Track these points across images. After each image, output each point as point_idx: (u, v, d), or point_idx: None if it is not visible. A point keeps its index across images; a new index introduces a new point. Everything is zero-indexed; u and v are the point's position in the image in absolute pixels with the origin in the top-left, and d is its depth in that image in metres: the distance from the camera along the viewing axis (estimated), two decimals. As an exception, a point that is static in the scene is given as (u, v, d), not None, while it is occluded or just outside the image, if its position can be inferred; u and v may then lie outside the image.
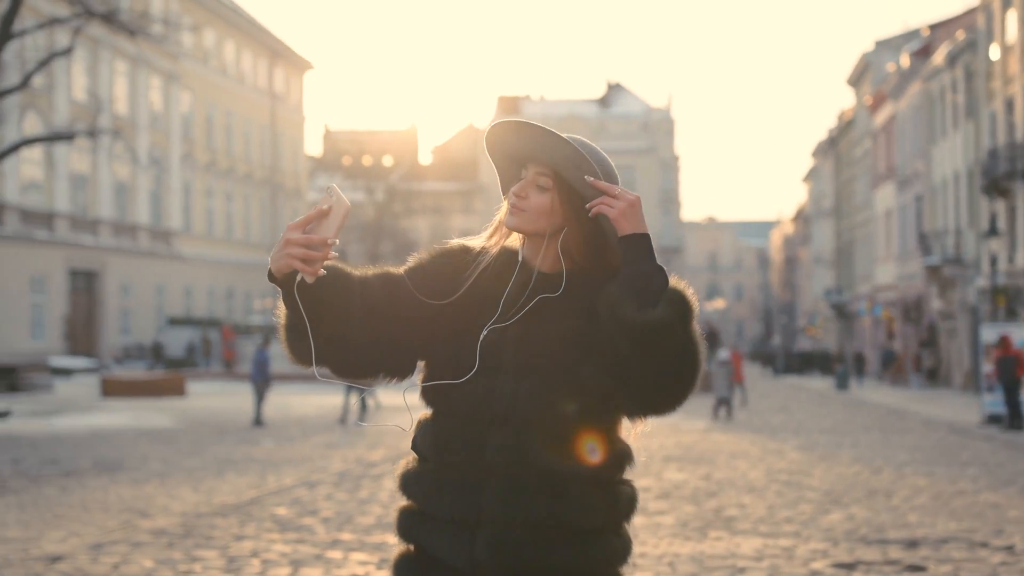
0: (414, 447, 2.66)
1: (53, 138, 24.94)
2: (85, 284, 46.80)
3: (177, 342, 48.15)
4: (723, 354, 27.63)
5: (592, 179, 2.54)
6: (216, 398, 29.98)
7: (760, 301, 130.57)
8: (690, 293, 2.51)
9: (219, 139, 59.51)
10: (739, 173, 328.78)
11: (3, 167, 40.91)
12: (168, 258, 52.94)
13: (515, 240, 2.68)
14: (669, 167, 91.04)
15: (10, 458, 15.04)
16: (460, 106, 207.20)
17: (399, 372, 2.63)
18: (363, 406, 22.07)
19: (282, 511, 10.25)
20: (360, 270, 2.62)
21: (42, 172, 44.14)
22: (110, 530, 9.14)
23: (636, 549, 8.23)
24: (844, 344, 69.05)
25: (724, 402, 25.03)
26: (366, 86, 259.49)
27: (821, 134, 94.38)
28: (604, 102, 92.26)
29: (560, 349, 2.52)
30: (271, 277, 2.49)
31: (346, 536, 8.91)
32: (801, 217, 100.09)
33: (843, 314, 71.31)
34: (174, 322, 49.88)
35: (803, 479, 13.22)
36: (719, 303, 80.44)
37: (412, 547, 2.61)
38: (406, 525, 2.61)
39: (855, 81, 67.26)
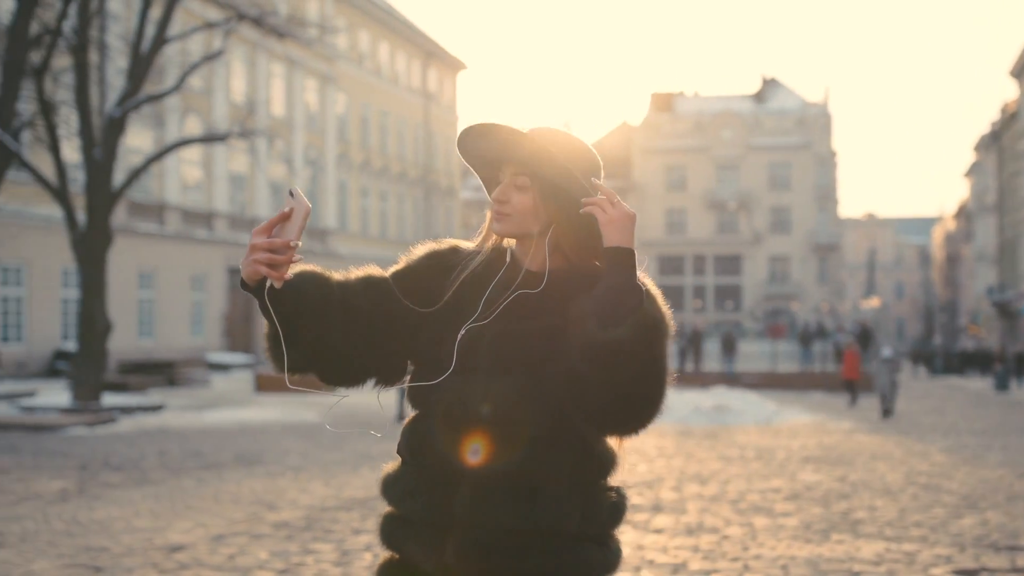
0: (398, 449, 2.61)
1: (206, 140, 25.57)
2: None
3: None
4: (886, 352, 26.98)
5: (596, 181, 2.49)
6: (366, 394, 30.37)
7: (921, 299, 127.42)
8: (664, 316, 2.42)
9: (374, 139, 60.42)
10: (898, 168, 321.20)
11: (165, 168, 42.23)
12: (323, 256, 53.90)
13: (509, 241, 2.63)
14: (826, 163, 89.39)
15: (157, 450, 15.49)
16: (613, 103, 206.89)
17: (388, 377, 2.61)
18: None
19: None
20: (342, 274, 2.61)
21: (202, 173, 45.42)
22: (235, 522, 9.35)
23: (753, 551, 8.15)
24: (1006, 344, 66.95)
25: (883, 399, 24.76)
26: (519, 85, 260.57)
27: (983, 127, 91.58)
28: (759, 97, 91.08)
29: (536, 347, 2.44)
30: (243, 285, 2.47)
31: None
32: (963, 213, 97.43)
33: (1006, 313, 69.15)
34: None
35: (943, 482, 12.83)
36: (874, 301, 78.53)
37: (395, 554, 2.55)
38: (387, 531, 2.56)
39: (1019, 73, 65.11)
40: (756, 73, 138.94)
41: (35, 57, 22.52)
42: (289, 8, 47.33)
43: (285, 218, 2.42)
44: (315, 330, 2.49)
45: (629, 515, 9.79)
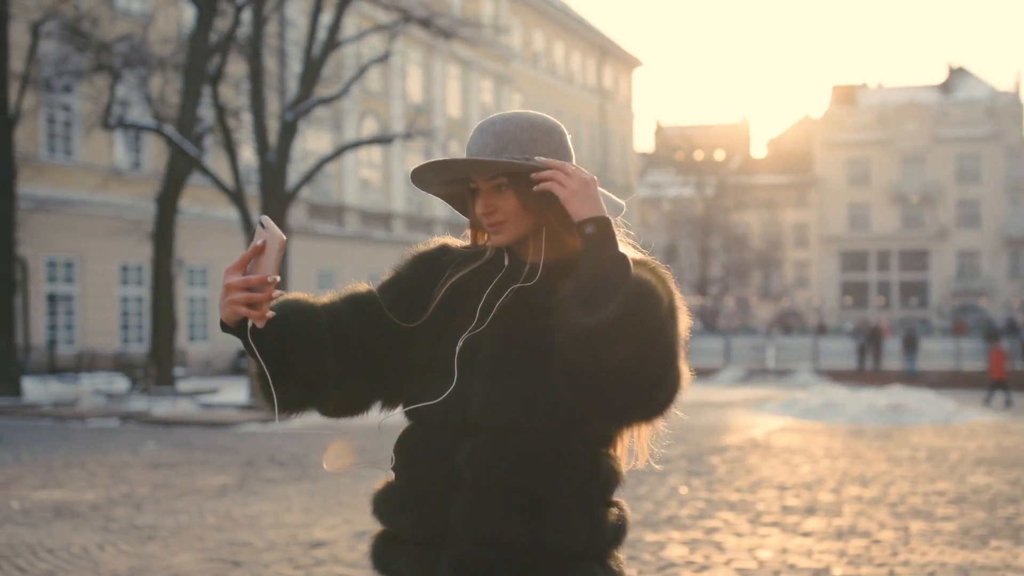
0: (391, 464, 2.44)
1: (374, 142, 25.96)
2: (419, 281, 48.61)
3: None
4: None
5: (542, 159, 2.31)
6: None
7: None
8: (661, 281, 2.20)
9: (549, 138, 60.53)
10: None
11: (343, 170, 43.14)
12: (499, 255, 54.34)
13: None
14: (1018, 154, 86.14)
15: (323, 447, 15.77)
16: (794, 97, 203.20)
17: (393, 398, 2.45)
18: None
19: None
20: (327, 296, 2.44)
21: (380, 174, 46.24)
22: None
23: (902, 556, 7.87)
24: None
25: None
26: (696, 80, 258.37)
27: None
28: (946, 87, 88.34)
29: (539, 348, 2.25)
30: (223, 327, 2.30)
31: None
32: None
33: None
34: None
35: (1125, 487, 12.20)
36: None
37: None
38: (378, 551, 2.39)
39: None
40: (942, 62, 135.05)
41: (212, 64, 23.24)
42: (463, 10, 47.82)
43: (259, 252, 2.22)
44: (306, 363, 2.32)
45: (779, 517, 9.57)
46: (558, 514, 2.22)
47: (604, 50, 66.59)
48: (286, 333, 2.30)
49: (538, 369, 2.24)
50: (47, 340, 32.25)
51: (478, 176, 2.38)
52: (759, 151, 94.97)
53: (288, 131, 23.18)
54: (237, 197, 22.95)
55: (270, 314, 2.24)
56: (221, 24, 24.58)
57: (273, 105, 29.42)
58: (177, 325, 26.67)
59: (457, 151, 50.58)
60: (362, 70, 23.98)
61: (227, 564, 7.53)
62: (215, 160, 31.86)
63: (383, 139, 25.03)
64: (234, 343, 35.45)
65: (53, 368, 31.54)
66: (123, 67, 25.24)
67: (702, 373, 37.85)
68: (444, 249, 2.53)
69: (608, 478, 2.34)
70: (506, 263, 2.42)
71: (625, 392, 2.11)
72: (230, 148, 22.95)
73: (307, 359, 2.32)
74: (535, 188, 2.28)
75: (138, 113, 29.28)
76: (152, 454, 14.72)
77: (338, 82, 34.55)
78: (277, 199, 22.92)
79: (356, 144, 25.45)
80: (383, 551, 2.38)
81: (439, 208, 49.56)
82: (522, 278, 2.37)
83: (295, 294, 2.40)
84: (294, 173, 34.10)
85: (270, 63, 30.42)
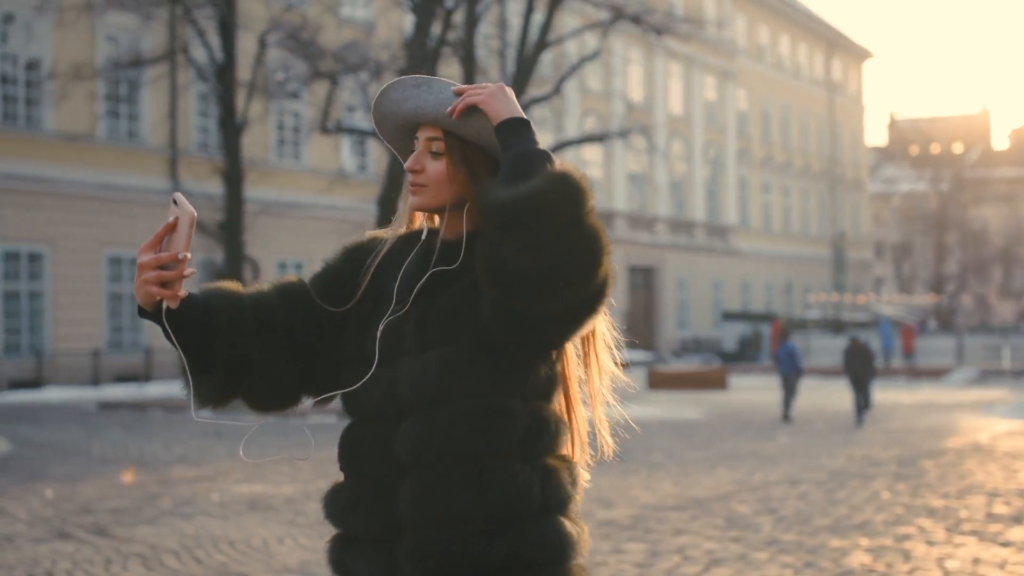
0: (338, 464, 2.36)
1: (583, 141, 25.99)
2: (643, 280, 48.49)
3: (732, 336, 48.68)
4: None
5: (454, 86, 2.27)
6: (757, 392, 29.94)
7: None
8: (581, 176, 2.10)
9: (775, 133, 59.56)
10: None
11: (564, 170, 43.32)
12: (724, 253, 53.69)
13: (429, 222, 2.40)
14: None
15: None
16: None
17: (323, 389, 2.37)
18: (867, 404, 20.67)
19: (742, 507, 10.05)
20: (254, 288, 2.37)
21: (602, 172, 46.27)
22: (563, 518, 9.37)
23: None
24: None
25: None
26: (932, 71, 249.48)
27: None
28: None
29: (455, 319, 2.21)
30: (141, 312, 2.22)
31: (788, 537, 8.58)
32: None
33: None
34: (729, 316, 50.45)
35: None
36: None
37: None
38: (336, 556, 2.33)
39: None
40: None
41: (426, 68, 23.63)
42: (685, 6, 47.39)
43: (171, 229, 2.17)
44: (229, 349, 2.24)
45: (981, 526, 9.09)
46: (505, 475, 2.15)
47: (832, 42, 65.00)
48: (207, 318, 2.23)
49: (456, 338, 2.19)
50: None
51: (423, 129, 2.31)
52: (1000, 142, 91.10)
53: (501, 132, 23.34)
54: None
55: (183, 293, 2.17)
56: (438, 28, 24.99)
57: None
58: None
59: (680, 150, 50.23)
60: (573, 69, 24.01)
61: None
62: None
63: (595, 137, 25.03)
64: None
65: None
66: (342, 73, 25.92)
67: (932, 374, 36.51)
68: (375, 239, 2.45)
69: (555, 432, 2.28)
70: (423, 239, 2.34)
71: (551, 274, 2.01)
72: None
73: (229, 345, 2.24)
74: (449, 110, 2.23)
75: (362, 118, 30.03)
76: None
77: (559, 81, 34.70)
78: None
79: (568, 143, 25.47)
80: (340, 555, 2.31)
81: (662, 206, 49.27)
82: (435, 258, 2.29)
83: (221, 283, 2.33)
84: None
85: (489, 64, 30.79)
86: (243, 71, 27.08)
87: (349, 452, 2.29)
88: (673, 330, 49.74)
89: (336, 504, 2.31)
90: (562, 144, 25.30)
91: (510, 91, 2.24)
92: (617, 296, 45.28)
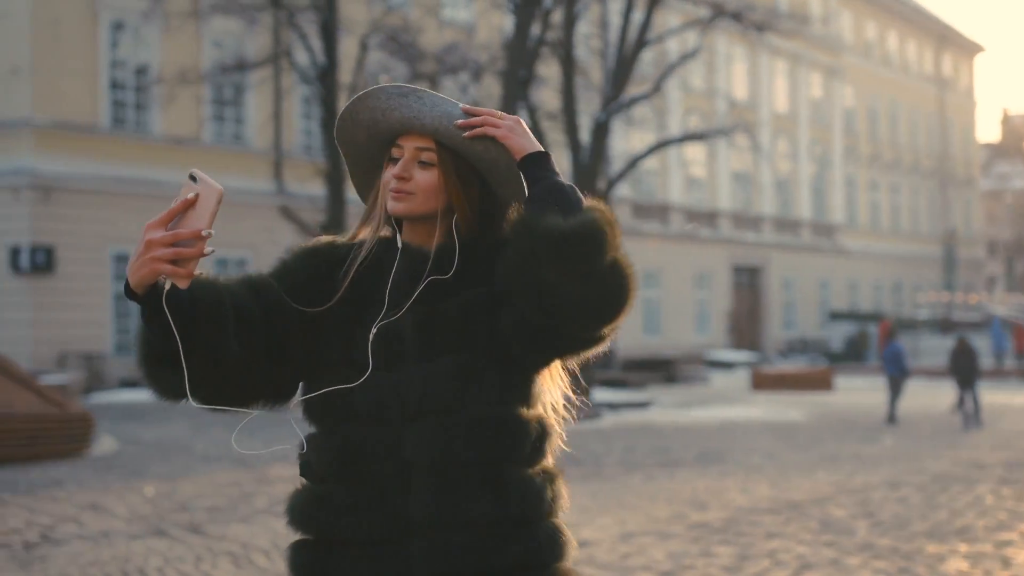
0: (305, 470, 2.33)
1: (687, 139, 25.82)
2: (748, 280, 48.02)
3: (839, 337, 47.97)
4: None
5: (464, 105, 2.31)
6: (862, 394, 29.45)
7: None
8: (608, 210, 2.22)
9: (883, 131, 58.60)
10: None
11: (667, 169, 43.10)
12: (831, 252, 52.95)
13: (386, 230, 2.38)
14: None
15: (624, 446, 15.76)
16: None
17: (280, 395, 2.33)
18: (975, 405, 20.05)
19: (838, 511, 9.88)
20: (221, 279, 2.26)
21: (706, 171, 45.93)
22: (654, 520, 9.30)
23: None
24: None
25: None
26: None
27: None
28: None
29: (464, 327, 2.27)
30: (128, 293, 2.11)
31: (884, 542, 8.40)
32: None
33: None
34: (836, 316, 49.71)
35: None
36: None
37: None
38: (308, 562, 2.28)
39: None
40: None
41: (524, 68, 23.63)
42: (790, 4, 46.80)
43: (188, 205, 2.08)
44: (210, 343, 2.16)
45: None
46: (520, 481, 2.24)
47: (942, 37, 63.74)
48: (194, 306, 2.14)
49: (468, 346, 2.25)
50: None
51: (410, 140, 2.32)
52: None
53: (600, 131, 23.29)
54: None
55: (198, 271, 2.10)
56: (537, 28, 24.98)
57: (593, 105, 29.68)
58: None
59: (785, 149, 49.66)
60: (672, 67, 23.85)
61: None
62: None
63: (695, 136, 24.82)
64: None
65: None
66: (442, 75, 26.04)
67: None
68: (333, 244, 2.44)
69: (552, 438, 2.38)
70: (400, 247, 2.35)
71: (595, 302, 2.15)
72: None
73: (211, 337, 2.15)
74: (466, 135, 2.28)
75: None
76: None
77: (660, 80, 34.50)
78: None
79: (668, 143, 25.32)
80: (315, 562, 2.27)
81: (767, 205, 48.75)
82: (430, 265, 2.32)
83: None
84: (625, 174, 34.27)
85: (589, 63, 30.72)
86: (345, 74, 27.31)
87: (346, 456, 2.25)
88: (779, 330, 49.16)
89: (324, 509, 2.26)
90: (663, 143, 25.13)
91: (524, 125, 2.31)
92: (721, 296, 45.13)
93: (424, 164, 2.32)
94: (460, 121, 2.30)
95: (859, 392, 30.01)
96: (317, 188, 27.99)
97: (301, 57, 27.58)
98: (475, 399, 2.23)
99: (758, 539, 8.45)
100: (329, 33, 24.72)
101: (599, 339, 2.24)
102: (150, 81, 28.50)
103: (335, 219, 24.93)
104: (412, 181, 2.32)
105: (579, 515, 9.59)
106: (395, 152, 2.35)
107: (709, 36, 40.46)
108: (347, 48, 28.18)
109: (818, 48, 51.65)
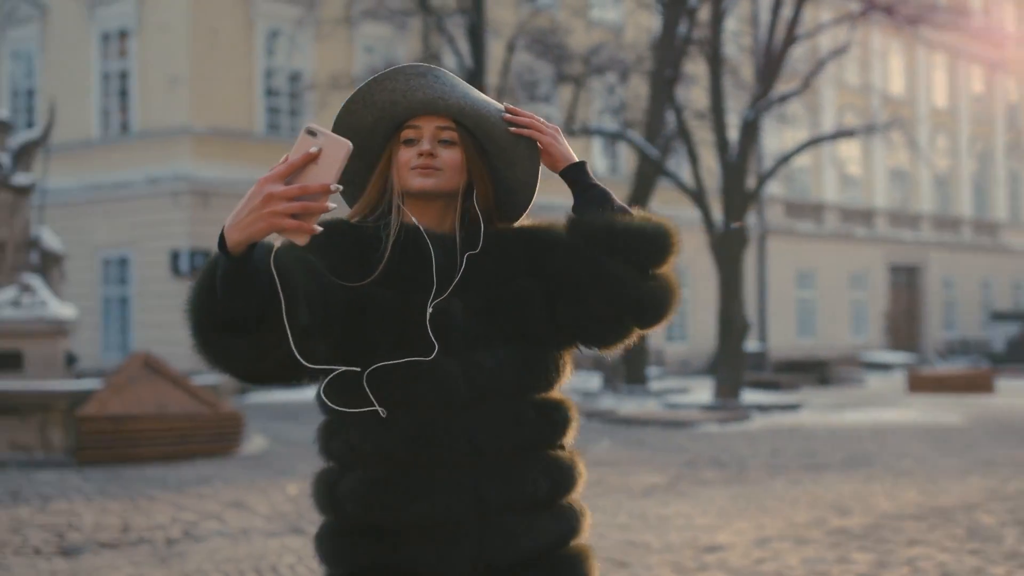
0: (347, 455, 2.30)
1: (838, 136, 25.35)
2: (906, 279, 46.91)
3: (1001, 337, 46.54)
4: None
5: (508, 105, 2.44)
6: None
7: None
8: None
9: (1048, 124, 56.67)
10: None
11: (821, 167, 42.35)
12: (993, 251, 51.41)
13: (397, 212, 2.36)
14: None
15: (771, 449, 15.51)
16: None
17: (315, 373, 2.24)
18: None
19: (987, 518, 9.56)
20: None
21: (861, 168, 45.02)
22: (793, 525, 9.13)
23: None
24: None
25: None
26: None
27: None
28: None
29: (523, 312, 2.35)
30: (223, 249, 2.01)
31: (1032, 550, 8.13)
32: None
33: None
34: (998, 316, 48.22)
35: None
36: None
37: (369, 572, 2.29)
38: (370, 547, 2.27)
39: None
40: None
41: (671, 67, 23.49)
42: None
43: (311, 159, 1.99)
44: (288, 310, 2.09)
45: None
46: (569, 464, 2.38)
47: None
48: (269, 273, 2.07)
49: (523, 334, 2.34)
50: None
51: (430, 120, 2.37)
52: None
53: (749, 129, 23.02)
54: (698, 197, 23.08)
55: (318, 228, 2.00)
56: (685, 27, 24.81)
57: (743, 104, 29.37)
58: (648, 325, 27.10)
59: (944, 144, 48.38)
60: (821, 64, 23.45)
61: (612, 564, 7.54)
62: (676, 162, 32.17)
63: (846, 132, 24.37)
64: (711, 342, 35.49)
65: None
66: (589, 76, 26.05)
67: None
68: (350, 223, 2.41)
69: (576, 419, 2.50)
70: (417, 228, 2.36)
71: (655, 289, 2.37)
72: (690, 149, 23.11)
73: (289, 302, 2.09)
74: (514, 130, 2.41)
75: (610, 120, 30.08)
76: (601, 452, 15.03)
77: (814, 77, 33.98)
78: (739, 198, 22.80)
79: (818, 140, 24.92)
80: (381, 545, 2.27)
81: (926, 202, 47.54)
82: (460, 246, 2.37)
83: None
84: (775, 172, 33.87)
85: (739, 60, 30.37)
86: (493, 76, 27.50)
87: (418, 438, 2.25)
88: (938, 331, 47.89)
89: (391, 494, 2.25)
90: (813, 140, 24.72)
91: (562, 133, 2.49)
92: (878, 296, 44.17)
93: (446, 143, 2.38)
94: (507, 116, 2.42)
95: (1021, 395, 29.06)
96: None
97: (450, 61, 27.86)
98: (533, 385, 2.34)
99: (899, 546, 8.24)
100: (476, 36, 24.92)
101: (646, 331, 2.44)
102: (303, 87, 29.09)
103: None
104: (439, 158, 2.37)
105: (716, 518, 9.48)
106: (411, 133, 2.39)
107: (863, 31, 39.71)
108: (495, 51, 28.39)
109: (979, 41, 50.17)
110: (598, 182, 2.45)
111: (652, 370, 31.10)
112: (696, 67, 27.16)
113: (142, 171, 27.69)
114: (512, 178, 2.46)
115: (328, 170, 1.99)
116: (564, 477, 2.37)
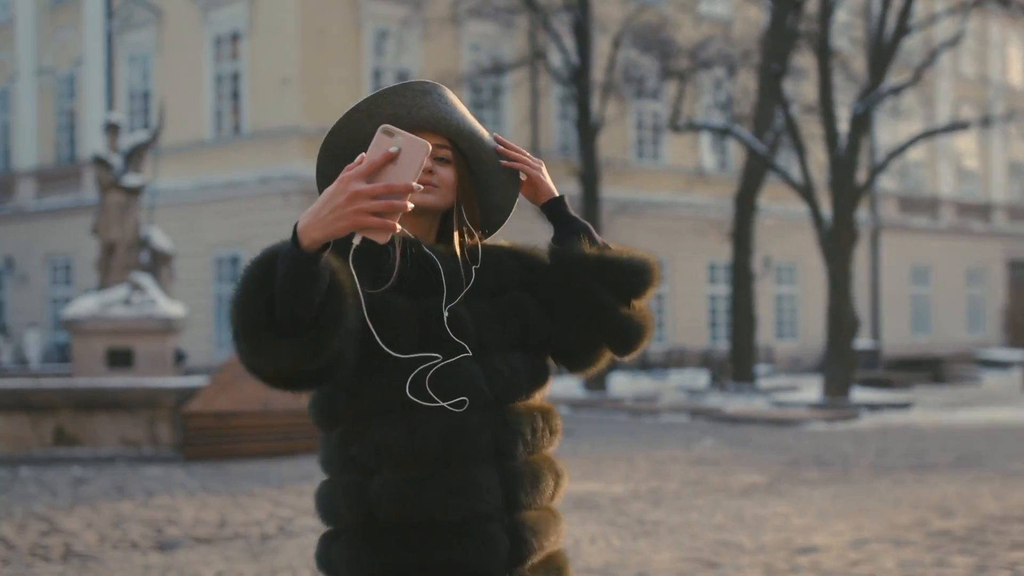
0: (381, 455, 2.28)
1: (951, 129, 24.79)
2: (1024, 275, 45.79)
3: None
4: None
5: (497, 136, 2.54)
6: None
7: None
8: None
9: None
10: None
11: (936, 161, 41.50)
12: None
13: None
14: None
15: (877, 448, 15.24)
16: None
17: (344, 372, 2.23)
18: None
19: (1097, 521, 9.30)
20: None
21: (978, 162, 44.02)
22: (894, 527, 8.95)
23: None
24: None
25: None
26: None
27: None
28: None
29: (525, 320, 2.45)
30: (298, 248, 2.04)
31: None
32: None
33: None
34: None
35: None
36: None
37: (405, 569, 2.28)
38: (405, 546, 2.27)
39: None
40: None
41: (779, 61, 23.20)
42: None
43: (391, 159, 2.04)
44: (341, 310, 2.13)
45: None
46: (560, 470, 2.46)
47: None
48: (326, 271, 2.10)
49: (526, 341, 2.44)
50: (639, 338, 33.64)
51: (429, 135, 2.40)
52: None
53: (859, 122, 22.63)
54: (806, 193, 22.77)
55: (399, 227, 2.06)
56: (793, 20, 24.49)
57: (853, 97, 28.93)
58: (758, 322, 26.85)
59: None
60: (933, 56, 22.95)
61: (701, 564, 7.46)
62: (787, 158, 31.78)
63: (959, 125, 23.84)
64: (818, 340, 35.01)
65: (644, 364, 32.90)
66: (695, 71, 25.87)
67: None
68: None
69: None
70: (415, 241, 2.41)
71: (636, 321, 2.48)
72: (797, 143, 22.80)
73: (341, 303, 2.12)
74: (505, 163, 2.51)
75: (718, 115, 29.83)
76: (704, 450, 14.92)
77: (928, 68, 33.33)
78: (848, 193, 22.43)
79: (930, 133, 24.43)
80: (411, 542, 2.28)
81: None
82: (462, 260, 2.45)
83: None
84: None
85: (851, 53, 29.89)
86: (599, 73, 27.44)
87: (449, 438, 2.28)
88: (1061, 328, 46.63)
89: (431, 491, 2.27)
90: (925, 133, 24.23)
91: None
92: (996, 292, 43.13)
93: (442, 161, 2.43)
94: (499, 148, 2.53)
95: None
96: (571, 188, 28.21)
97: (555, 58, 27.86)
98: (536, 391, 2.44)
99: (1001, 549, 8.03)
100: (582, 33, 24.89)
101: (619, 359, 2.56)
102: (410, 86, 29.27)
103: (590, 218, 25.07)
104: (436, 175, 2.41)
105: (814, 519, 9.34)
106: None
107: (980, 21, 38.81)
108: (602, 47, 28.32)
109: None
110: (577, 216, 2.54)
111: (761, 368, 30.77)
112: (806, 61, 26.80)
113: (253, 171, 28.14)
114: (489, 202, 2.55)
115: (408, 170, 2.04)
116: (560, 482, 2.45)
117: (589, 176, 25.19)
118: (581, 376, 2.62)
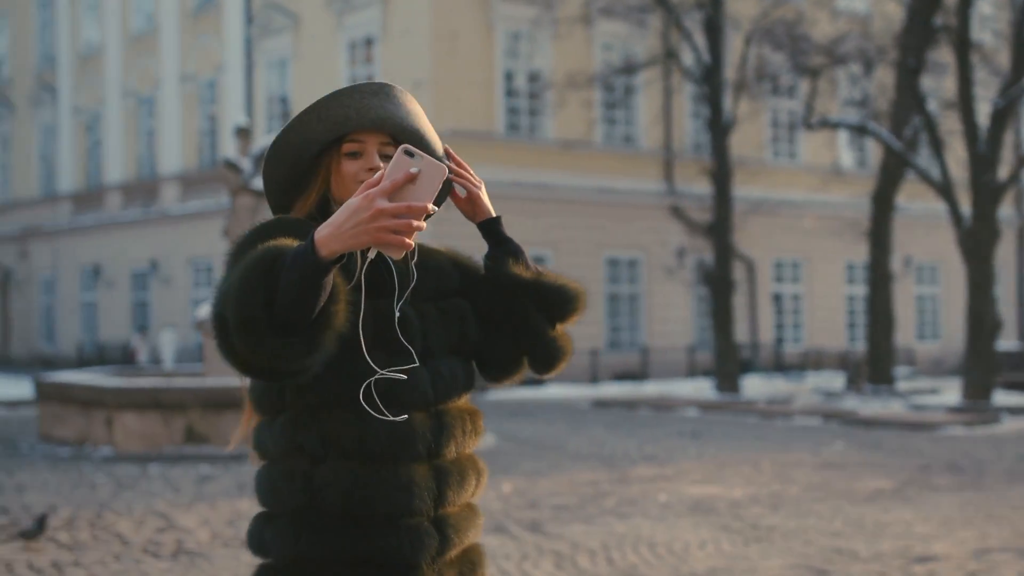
0: (328, 446, 2.36)
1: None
2: None
3: None
4: None
5: (448, 148, 2.59)
6: None
7: None
8: None
9: None
10: None
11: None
12: None
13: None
14: None
15: (1016, 454, 14.76)
16: None
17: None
18: None
19: None
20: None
21: None
22: (1018, 536, 8.63)
23: None
24: None
25: None
26: None
27: None
28: None
29: (462, 325, 2.53)
30: (315, 259, 2.10)
31: None
32: None
33: None
34: None
35: None
36: None
37: (329, 558, 2.36)
38: (342, 534, 2.36)
39: None
40: None
41: (916, 55, 22.64)
42: None
43: (410, 180, 2.14)
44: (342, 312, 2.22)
45: None
46: (482, 469, 2.58)
47: None
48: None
49: (461, 346, 2.53)
50: (774, 338, 33.20)
51: (373, 136, 2.47)
52: None
53: (999, 118, 21.94)
54: (945, 190, 22.17)
55: (413, 245, 2.22)
56: (933, 14, 23.87)
57: (989, 91, 28.09)
58: (896, 323, 26.26)
59: None
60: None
61: (811, 572, 7.27)
62: (926, 155, 31.00)
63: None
64: (960, 342, 34.11)
65: (779, 366, 32.43)
66: (829, 67, 25.40)
67: None
68: (305, 223, 2.43)
69: None
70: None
71: (560, 347, 2.59)
72: (934, 140, 22.21)
73: (341, 306, 2.22)
74: (451, 177, 2.54)
75: (853, 112, 29.23)
76: (833, 454, 14.60)
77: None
78: (988, 191, 21.77)
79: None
80: (380, 533, 2.37)
81: None
82: (414, 262, 2.51)
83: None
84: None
85: (996, 47, 29.04)
86: (731, 71, 27.12)
87: (395, 436, 2.37)
88: None
89: (374, 485, 2.36)
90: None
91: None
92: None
93: (385, 158, 2.47)
94: (451, 163, 2.56)
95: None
96: (703, 187, 27.94)
97: (688, 56, 27.63)
98: (467, 394, 2.55)
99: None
100: (714, 31, 24.61)
101: (537, 376, 2.68)
102: (542, 87, 29.32)
103: (722, 217, 24.81)
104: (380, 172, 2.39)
105: (938, 527, 9.06)
106: (354, 147, 2.48)
107: None
108: (735, 44, 27.99)
109: None
110: (511, 237, 2.62)
111: (901, 370, 30.09)
112: (947, 55, 26.10)
113: (386, 173, 28.43)
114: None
115: (427, 191, 2.15)
116: (480, 479, 2.55)
117: (721, 175, 24.88)
118: (495, 385, 2.71)
